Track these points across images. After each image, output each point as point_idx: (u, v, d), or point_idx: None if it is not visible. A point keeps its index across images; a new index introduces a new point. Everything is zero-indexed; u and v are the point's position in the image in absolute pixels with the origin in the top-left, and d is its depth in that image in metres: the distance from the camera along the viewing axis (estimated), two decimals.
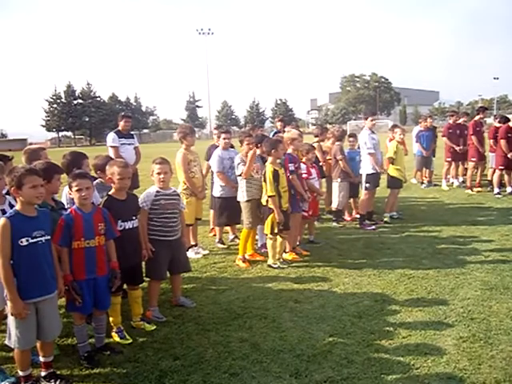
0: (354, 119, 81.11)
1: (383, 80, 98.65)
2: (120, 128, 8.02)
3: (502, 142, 10.72)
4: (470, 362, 3.65)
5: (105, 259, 3.82)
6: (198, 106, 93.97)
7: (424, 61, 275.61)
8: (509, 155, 10.66)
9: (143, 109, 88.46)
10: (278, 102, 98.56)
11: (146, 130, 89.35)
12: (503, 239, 7.19)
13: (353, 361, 3.71)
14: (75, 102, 79.94)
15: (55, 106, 78.09)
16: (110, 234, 3.85)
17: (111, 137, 7.93)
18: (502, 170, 10.94)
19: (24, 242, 3.21)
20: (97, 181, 4.86)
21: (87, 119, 78.59)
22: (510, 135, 10.76)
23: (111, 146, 7.84)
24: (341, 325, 4.36)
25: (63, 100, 78.72)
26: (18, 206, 3.30)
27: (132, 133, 8.33)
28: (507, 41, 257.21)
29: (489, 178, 11.83)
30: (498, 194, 10.84)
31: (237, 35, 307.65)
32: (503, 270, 5.76)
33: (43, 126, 77.92)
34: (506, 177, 11.13)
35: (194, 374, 3.58)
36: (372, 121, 8.31)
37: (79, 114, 77.76)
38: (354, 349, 3.90)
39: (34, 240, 3.26)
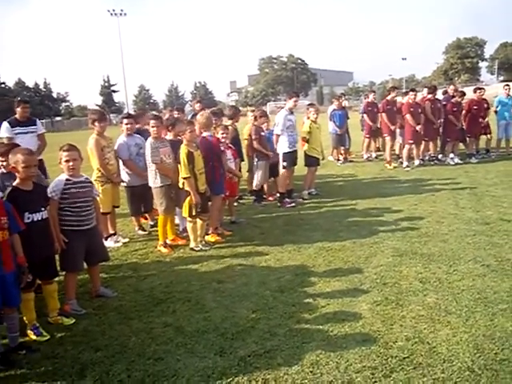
0: (274, 100, 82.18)
1: (300, 61, 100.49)
2: (17, 115, 7.29)
3: (408, 117, 11.38)
4: (383, 324, 3.89)
5: (11, 254, 3.57)
6: (113, 91, 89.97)
7: (338, 42, 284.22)
8: (417, 128, 11.34)
9: (54, 95, 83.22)
10: (198, 84, 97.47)
11: (58, 118, 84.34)
12: (412, 209, 7.69)
13: (275, 334, 3.82)
14: None
15: None
16: (14, 227, 3.60)
17: (4, 126, 7.23)
18: (411, 144, 11.62)
19: None
20: (1, 170, 4.52)
21: None
22: (412, 109, 11.43)
23: (4, 137, 7.12)
24: (263, 300, 4.46)
25: None
26: None
27: (35, 118, 7.65)
28: (413, 23, 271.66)
29: (397, 153, 12.56)
30: (407, 167, 11.54)
31: (152, 16, 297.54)
32: (412, 236, 6.17)
33: None
34: (414, 150, 11.86)
35: (118, 364, 3.51)
36: (295, 102, 8.42)
37: None
38: (276, 322, 4.01)
39: None
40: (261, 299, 4.50)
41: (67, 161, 4.37)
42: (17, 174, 3.96)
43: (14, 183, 3.98)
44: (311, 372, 3.29)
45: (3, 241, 3.51)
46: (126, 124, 6.70)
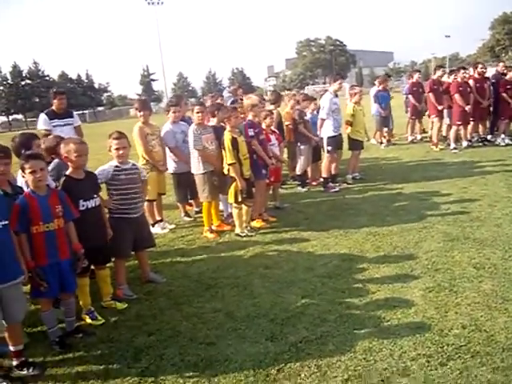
0: (312, 84, 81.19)
1: (338, 43, 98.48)
2: (54, 107, 7.03)
3: (456, 97, 10.93)
4: (437, 311, 3.78)
5: (67, 242, 3.69)
6: (152, 80, 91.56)
7: (377, 22, 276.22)
8: (466, 108, 10.88)
9: (96, 86, 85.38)
10: (235, 70, 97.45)
11: (100, 108, 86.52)
12: (461, 192, 7.42)
13: (325, 319, 3.78)
14: (23, 82, 76.40)
15: (1, 88, 74.45)
16: (68, 215, 3.70)
17: (41, 119, 6.99)
18: (459, 125, 11.17)
19: None
20: (55, 161, 4.63)
21: (37, 100, 75.23)
22: (461, 89, 10.97)
23: (42, 130, 6.82)
24: (311, 286, 4.43)
25: (9, 81, 75.09)
26: None
27: (71, 110, 7.44)
28: None
29: (444, 134, 12.11)
30: (455, 149, 11.12)
31: (188, 3, 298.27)
32: (463, 221, 5.95)
33: None
34: (462, 131, 11.42)
35: (170, 348, 3.57)
36: (340, 84, 8.25)
37: (28, 95, 74.36)
38: (326, 308, 3.97)
39: None
40: (309, 285, 4.46)
41: (117, 149, 4.44)
42: (69, 163, 4.06)
43: (67, 172, 4.09)
44: (364, 359, 3.24)
45: (59, 229, 3.61)
46: (174, 112, 6.73)
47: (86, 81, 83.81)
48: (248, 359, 3.34)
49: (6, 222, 3.23)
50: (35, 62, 78.02)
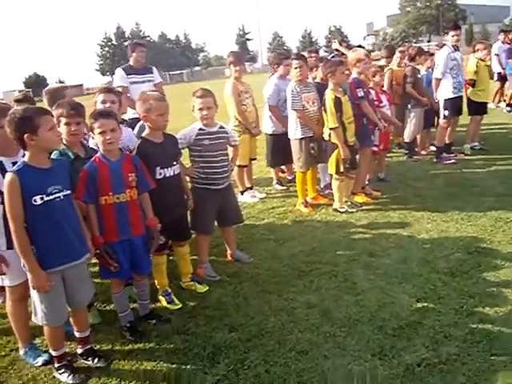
0: (415, 42, 75.38)
1: None
2: (131, 62, 6.24)
3: None
4: None
5: (140, 216, 3.16)
6: (248, 39, 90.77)
7: None
8: None
9: (193, 46, 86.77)
10: (332, 28, 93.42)
11: (197, 68, 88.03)
12: None
13: (451, 335, 2.94)
14: (125, 43, 79.56)
15: (107, 49, 78.27)
16: (143, 186, 3.16)
17: (118, 74, 6.20)
18: None
19: (38, 200, 2.59)
20: (140, 123, 4.12)
21: None
22: None
23: (118, 87, 5.81)
24: (429, 285, 3.56)
25: (114, 42, 78.63)
26: (26, 157, 2.66)
27: (151, 66, 6.51)
28: None
29: None
30: None
31: None
32: None
33: (97, 70, 78.86)
34: None
35: (254, 351, 2.95)
36: (453, 36, 6.92)
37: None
38: (450, 319, 3.11)
39: (51, 197, 2.63)
40: (426, 283, 3.59)
41: (201, 109, 3.79)
42: (147, 123, 3.50)
43: (143, 134, 3.54)
44: None
45: (131, 200, 3.09)
46: (285, 65, 5.84)
47: (184, 41, 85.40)
48: (350, 382, 2.62)
49: (69, 192, 2.74)
50: (137, 24, 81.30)
